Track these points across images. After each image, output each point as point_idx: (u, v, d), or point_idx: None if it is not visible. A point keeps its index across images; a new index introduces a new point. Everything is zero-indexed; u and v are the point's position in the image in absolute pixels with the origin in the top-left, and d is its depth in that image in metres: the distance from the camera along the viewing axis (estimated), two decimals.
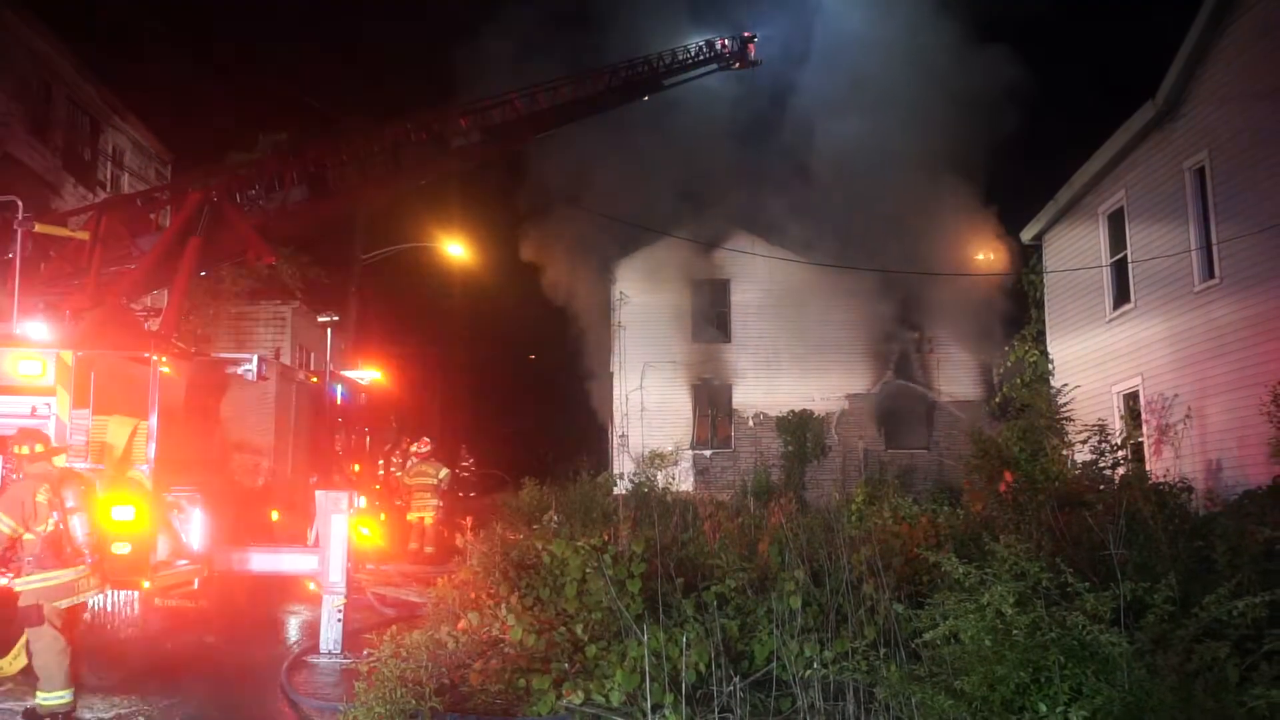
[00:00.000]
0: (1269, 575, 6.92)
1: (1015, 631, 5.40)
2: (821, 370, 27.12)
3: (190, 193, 12.96)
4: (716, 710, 6.05)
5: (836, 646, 6.28)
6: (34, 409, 9.23)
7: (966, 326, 26.62)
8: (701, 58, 20.05)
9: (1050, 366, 20.32)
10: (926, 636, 5.98)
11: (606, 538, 8.10)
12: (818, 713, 5.89)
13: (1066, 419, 16.27)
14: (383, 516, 16.40)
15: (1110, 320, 17.87)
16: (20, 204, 11.02)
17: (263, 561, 10.43)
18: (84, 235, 12.09)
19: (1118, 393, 17.45)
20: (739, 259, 26.67)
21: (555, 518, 16.04)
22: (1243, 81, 13.99)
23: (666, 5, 25.79)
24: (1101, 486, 11.62)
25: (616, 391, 27.67)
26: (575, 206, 27.47)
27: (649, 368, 27.29)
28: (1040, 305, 21.44)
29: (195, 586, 10.32)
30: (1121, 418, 16.73)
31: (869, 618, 6.62)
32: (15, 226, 10.69)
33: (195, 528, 10.22)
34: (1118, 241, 17.67)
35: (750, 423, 27.54)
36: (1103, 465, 12.75)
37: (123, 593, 9.96)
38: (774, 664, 6.39)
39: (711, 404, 27.87)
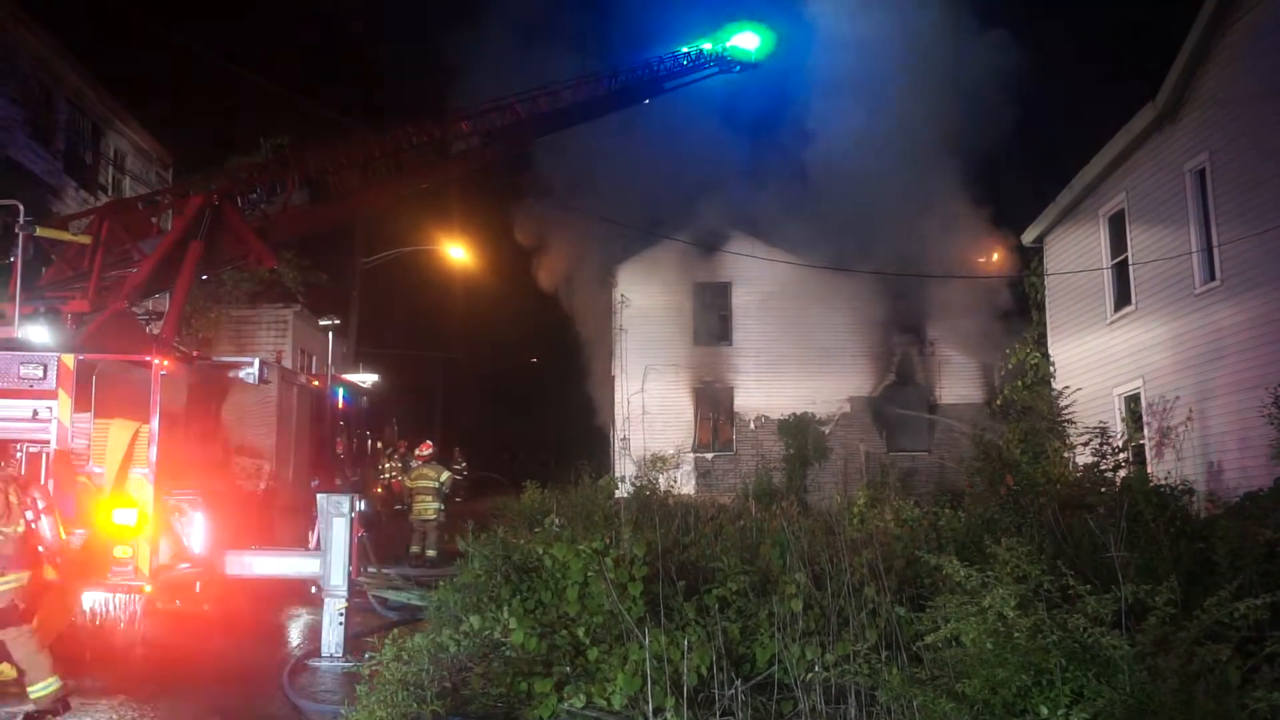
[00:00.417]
0: (1270, 577, 6.93)
1: (1017, 634, 5.40)
2: (823, 373, 27.07)
3: (192, 196, 13.02)
4: (718, 713, 6.05)
5: (838, 649, 6.28)
6: (35, 412, 9.25)
7: (967, 329, 26.59)
8: (702, 60, 20.05)
9: (1051, 369, 20.30)
10: (928, 639, 5.99)
11: (608, 541, 8.08)
12: (819, 716, 5.89)
13: (1068, 421, 16.27)
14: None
15: (1111, 322, 17.84)
16: (21, 208, 11.02)
17: (264, 565, 10.42)
18: (85, 239, 12.10)
19: (1119, 395, 17.43)
20: (740, 262, 26.62)
21: (557, 521, 16.00)
22: (1243, 83, 13.97)
23: (667, 7, 25.82)
24: (1103, 489, 11.57)
25: (618, 394, 27.66)
26: (576, 209, 27.52)
27: (650, 370, 27.27)
28: (1041, 308, 21.42)
29: (197, 590, 10.33)
30: (1123, 420, 16.71)
31: (870, 621, 6.62)
32: (16, 230, 10.67)
33: (197, 531, 10.22)
34: (1118, 244, 17.65)
35: (751, 425, 27.50)
36: (1104, 468, 12.70)
37: (124, 596, 9.94)
38: (775, 667, 6.40)
39: (713, 407, 27.85)
